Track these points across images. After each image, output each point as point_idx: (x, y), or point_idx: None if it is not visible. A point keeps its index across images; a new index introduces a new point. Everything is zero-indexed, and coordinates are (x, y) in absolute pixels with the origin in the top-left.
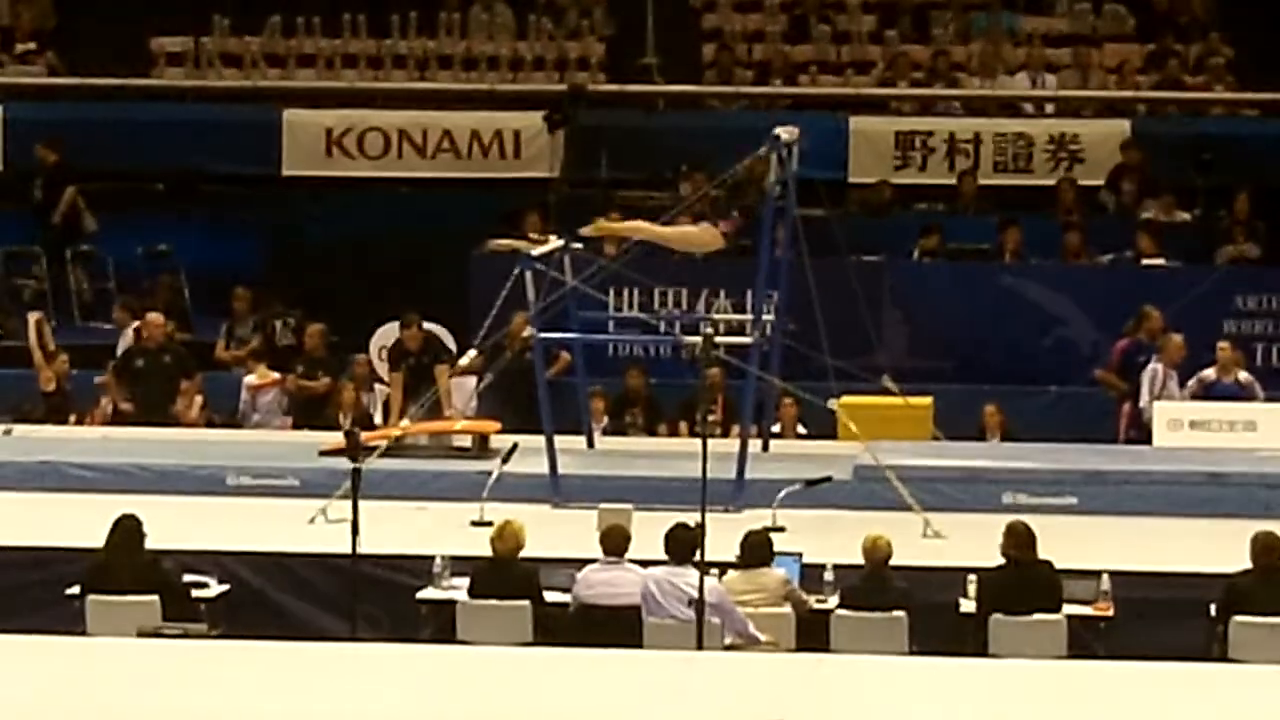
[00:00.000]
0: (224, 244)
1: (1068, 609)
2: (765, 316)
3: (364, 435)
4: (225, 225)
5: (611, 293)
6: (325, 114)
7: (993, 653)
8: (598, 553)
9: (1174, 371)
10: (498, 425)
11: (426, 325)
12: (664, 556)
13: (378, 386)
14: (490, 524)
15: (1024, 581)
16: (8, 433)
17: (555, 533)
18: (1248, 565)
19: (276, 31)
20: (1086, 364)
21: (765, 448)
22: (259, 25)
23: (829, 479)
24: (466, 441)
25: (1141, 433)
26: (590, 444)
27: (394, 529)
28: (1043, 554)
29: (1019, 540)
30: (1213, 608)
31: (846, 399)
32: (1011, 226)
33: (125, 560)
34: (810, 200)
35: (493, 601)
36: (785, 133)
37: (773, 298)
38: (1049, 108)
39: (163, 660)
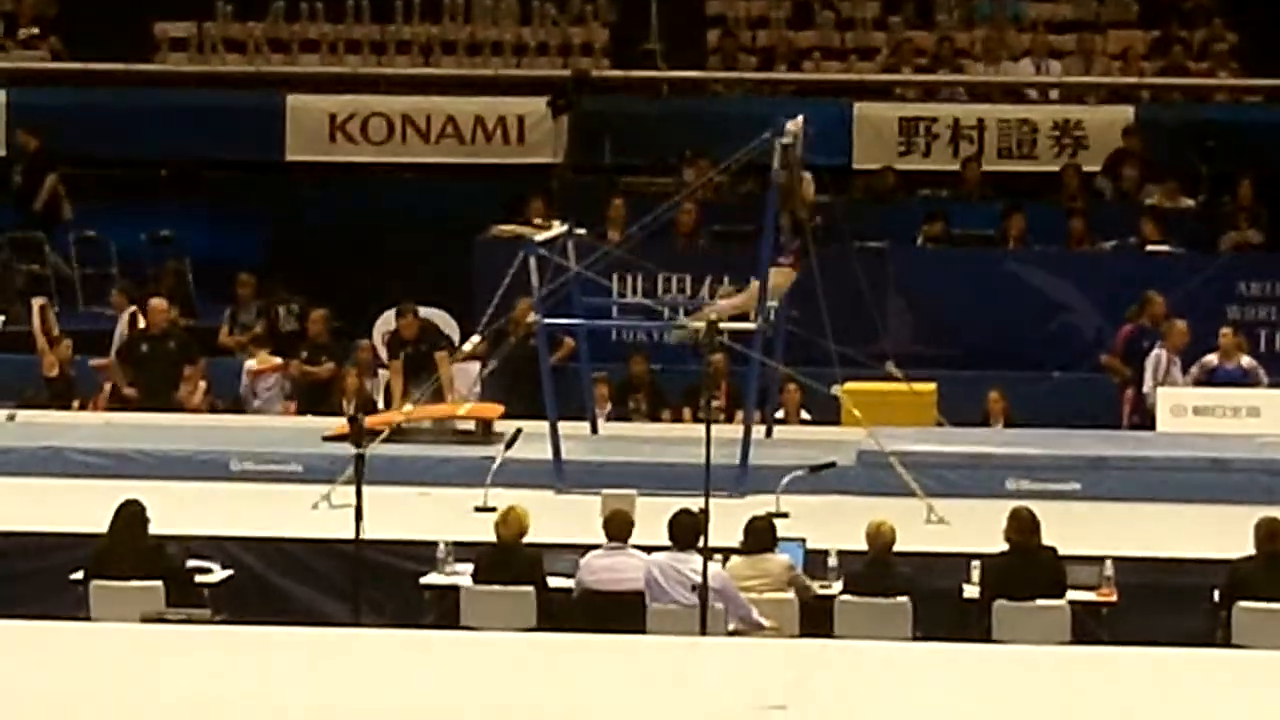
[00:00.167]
0: (227, 230)
1: (1071, 595)
2: (769, 302)
3: (368, 419)
4: (229, 211)
5: (615, 279)
6: (329, 99)
7: (996, 638)
8: (601, 538)
9: (1177, 357)
10: (500, 409)
11: (427, 312)
12: (667, 542)
13: (381, 372)
14: (494, 509)
15: (1027, 567)
16: (11, 418)
17: (559, 518)
18: (1251, 551)
19: (280, 16)
20: (1090, 350)
21: (769, 434)
22: (262, 10)
23: (832, 465)
24: (470, 425)
25: (1145, 418)
26: (594, 430)
27: (397, 514)
28: (1046, 540)
29: (1022, 526)
30: (1216, 593)
31: (850, 385)
32: (1015, 213)
33: (129, 546)
34: (815, 186)
35: (496, 587)
36: (791, 124)
37: None
38: (1053, 94)
39: (166, 646)
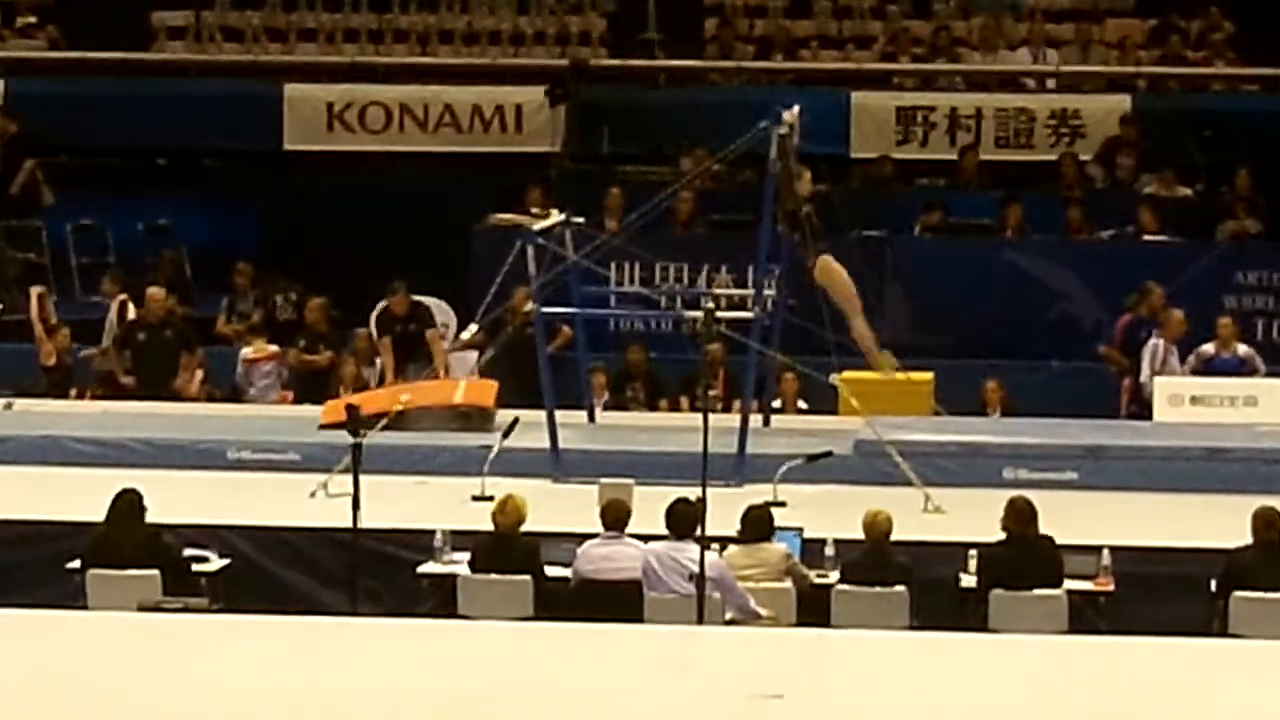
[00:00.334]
0: (225, 219)
1: (1068, 584)
2: (766, 291)
3: (363, 396)
4: (226, 200)
5: (613, 268)
6: (326, 89)
7: (993, 628)
8: (598, 527)
9: (1174, 347)
10: (495, 385)
11: (423, 298)
12: (665, 531)
13: (378, 360)
14: (491, 498)
15: (1024, 557)
16: (8, 407)
17: (556, 507)
18: (1248, 540)
19: (277, 6)
20: (1088, 339)
21: (766, 423)
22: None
23: (830, 454)
24: (468, 408)
25: (1143, 408)
26: (591, 419)
27: (395, 503)
28: (1043, 529)
29: (1020, 515)
30: (1213, 583)
31: (848, 374)
32: (1013, 202)
33: (126, 535)
34: (812, 176)
35: (494, 576)
36: (787, 114)
37: (774, 273)
38: (1050, 83)
39: (163, 634)
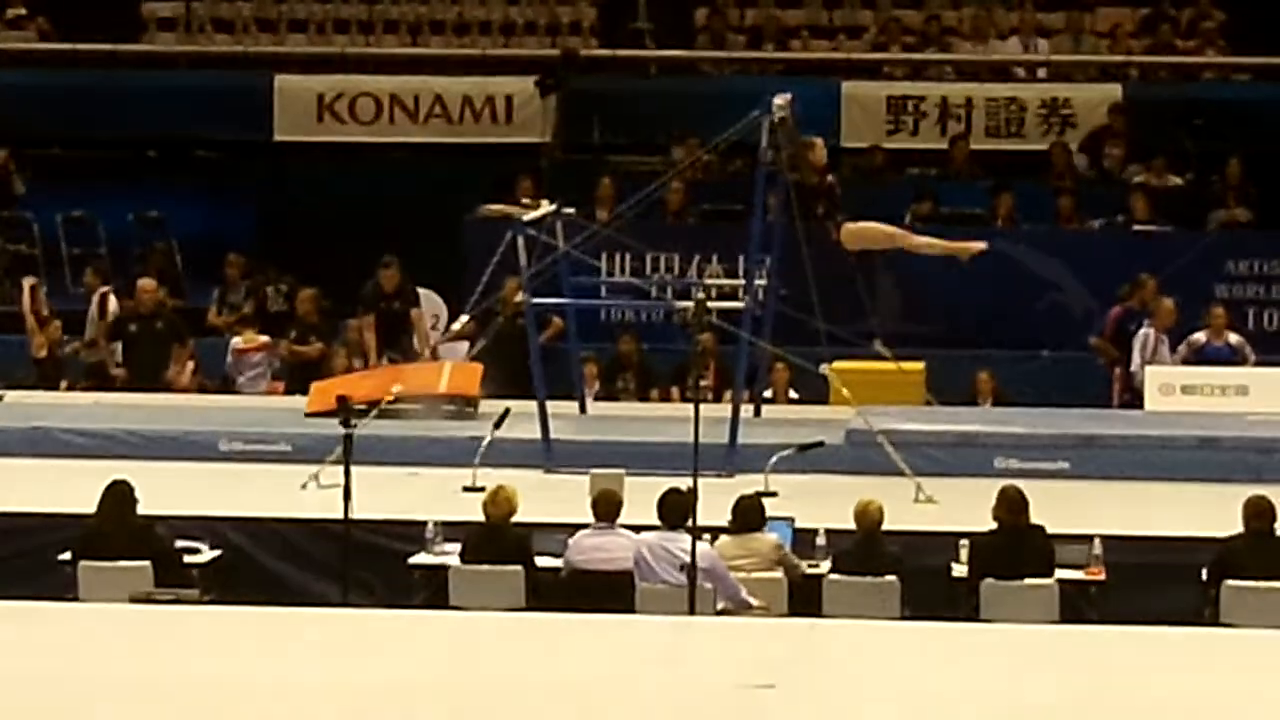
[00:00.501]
0: (216, 210)
1: (1059, 574)
2: (757, 281)
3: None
4: (217, 191)
5: (604, 258)
6: (317, 79)
7: (984, 617)
8: (590, 518)
9: (1165, 336)
10: (479, 367)
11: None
12: (656, 521)
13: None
14: (482, 489)
15: (1016, 546)
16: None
17: (547, 498)
18: (1239, 530)
19: None
20: (1079, 328)
21: (757, 413)
22: None
23: (821, 444)
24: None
25: (1134, 397)
26: (582, 409)
27: (386, 494)
28: (1035, 519)
29: (1011, 505)
30: (1204, 572)
31: (839, 364)
32: (1004, 191)
33: (117, 526)
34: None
35: (485, 567)
36: (779, 98)
37: (765, 263)
38: (1041, 72)
39: (155, 626)
